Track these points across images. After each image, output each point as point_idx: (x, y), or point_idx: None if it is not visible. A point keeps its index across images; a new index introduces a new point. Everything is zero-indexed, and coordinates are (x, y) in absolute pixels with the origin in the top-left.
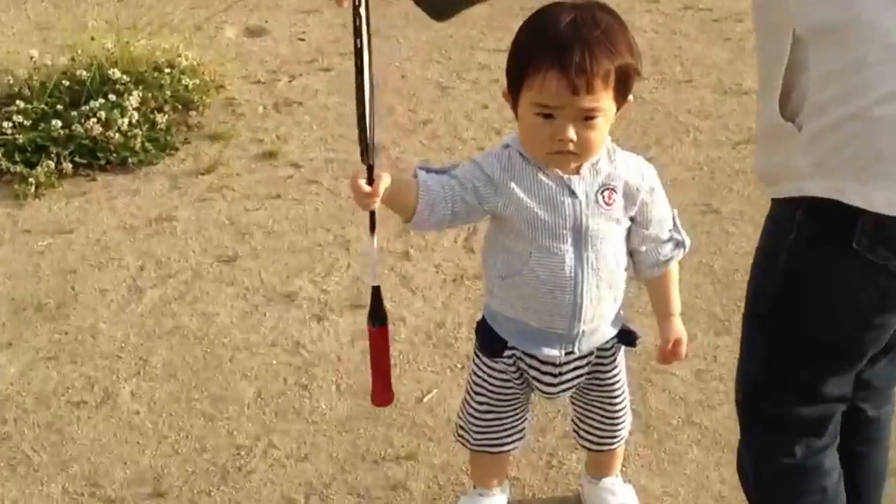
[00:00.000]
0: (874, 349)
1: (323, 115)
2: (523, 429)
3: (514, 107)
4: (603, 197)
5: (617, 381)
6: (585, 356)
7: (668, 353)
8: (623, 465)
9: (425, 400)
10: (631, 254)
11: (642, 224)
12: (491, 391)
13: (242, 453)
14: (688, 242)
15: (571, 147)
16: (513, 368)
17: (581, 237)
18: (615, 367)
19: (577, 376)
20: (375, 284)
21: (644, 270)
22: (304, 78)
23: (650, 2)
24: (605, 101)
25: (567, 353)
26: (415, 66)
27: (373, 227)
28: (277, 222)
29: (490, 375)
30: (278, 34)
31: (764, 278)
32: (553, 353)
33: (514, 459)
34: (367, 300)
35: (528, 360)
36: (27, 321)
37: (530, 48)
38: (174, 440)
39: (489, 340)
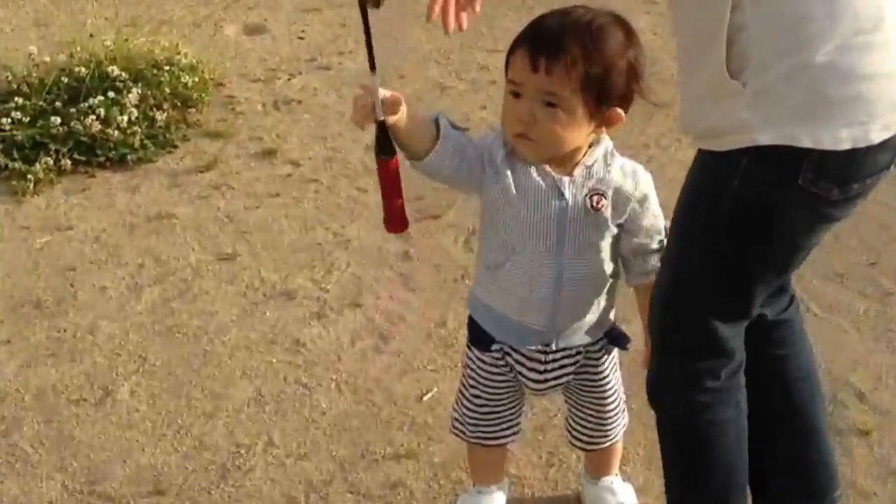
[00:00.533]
0: (796, 267)
1: (322, 113)
2: (518, 423)
3: None
4: (591, 201)
5: (607, 382)
6: (573, 355)
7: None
8: (623, 464)
9: (425, 399)
10: (621, 260)
11: (632, 232)
12: (483, 383)
13: (242, 451)
14: None
15: (528, 129)
16: (502, 362)
17: (564, 239)
18: (605, 367)
19: (564, 374)
20: (381, 119)
21: (632, 278)
22: (304, 77)
23: (649, 3)
24: (564, 90)
25: (547, 351)
26: (413, 66)
27: (372, 65)
28: (277, 220)
29: (481, 368)
30: (278, 32)
31: (702, 216)
32: (531, 347)
33: (513, 457)
34: (366, 299)
35: (515, 355)
36: (26, 318)
37: (521, 31)
38: (174, 438)
39: (478, 333)
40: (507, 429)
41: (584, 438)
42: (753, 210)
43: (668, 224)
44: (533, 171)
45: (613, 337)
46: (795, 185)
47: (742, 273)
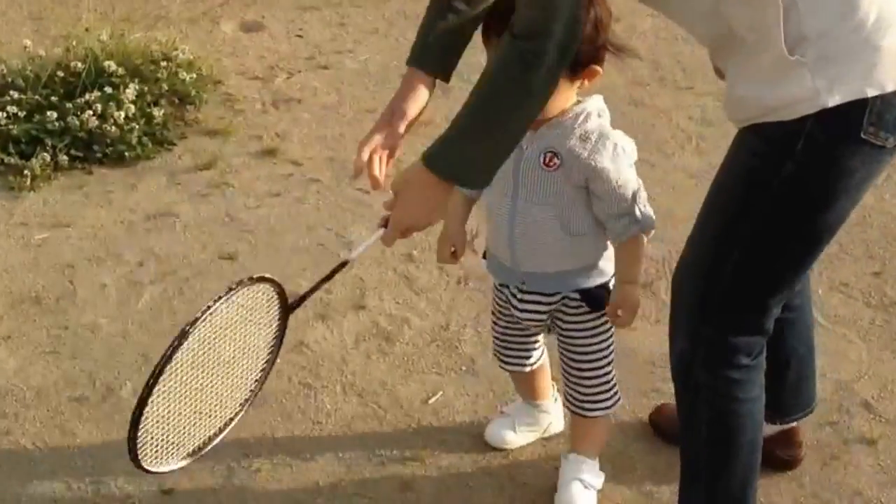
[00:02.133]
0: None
1: (322, 113)
2: (528, 357)
3: None
4: (544, 158)
5: (581, 344)
6: (544, 302)
7: (615, 316)
8: (629, 471)
9: (430, 402)
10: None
11: (596, 195)
12: (496, 314)
13: (248, 452)
14: (648, 222)
15: None
16: (503, 297)
17: (517, 186)
18: (579, 326)
19: (539, 312)
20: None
21: (610, 239)
22: (303, 75)
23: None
24: None
25: (522, 290)
26: None
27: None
28: (278, 220)
29: (494, 301)
30: (275, 30)
31: (759, 188)
32: (511, 285)
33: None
34: (370, 301)
35: (505, 290)
36: (25, 315)
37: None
38: None
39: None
40: (517, 359)
41: (569, 398)
42: (815, 168)
43: (635, 186)
44: None
45: (589, 297)
46: (857, 139)
47: (799, 240)
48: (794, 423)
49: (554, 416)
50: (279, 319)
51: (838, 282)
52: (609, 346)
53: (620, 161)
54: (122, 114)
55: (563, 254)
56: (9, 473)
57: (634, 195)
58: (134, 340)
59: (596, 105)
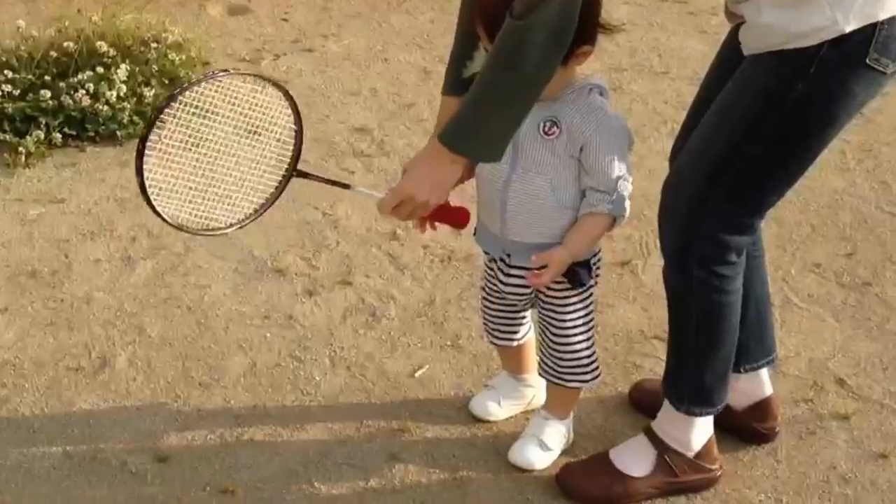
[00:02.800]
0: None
1: (308, 95)
2: (515, 332)
3: None
4: (544, 126)
5: (562, 320)
6: (532, 270)
7: (536, 276)
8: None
9: (416, 375)
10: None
11: (585, 169)
12: (485, 288)
13: (240, 422)
14: (620, 208)
15: None
16: (491, 271)
17: (516, 153)
18: (561, 302)
19: (524, 285)
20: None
21: (580, 209)
22: (289, 58)
23: None
24: None
25: (507, 263)
26: (398, 50)
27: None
28: None
29: (486, 275)
30: (261, 13)
31: (773, 106)
32: (496, 257)
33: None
34: (356, 277)
35: (492, 263)
36: (22, 288)
37: None
38: (172, 407)
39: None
40: (506, 334)
41: (542, 365)
42: (824, 90)
43: (621, 171)
44: None
45: (571, 273)
46: (863, 64)
47: (801, 150)
48: (762, 376)
49: (537, 389)
50: (285, 167)
51: (811, 262)
52: (589, 321)
53: (614, 140)
54: (114, 93)
55: (551, 225)
56: (9, 440)
57: (619, 178)
58: (128, 313)
59: (598, 83)
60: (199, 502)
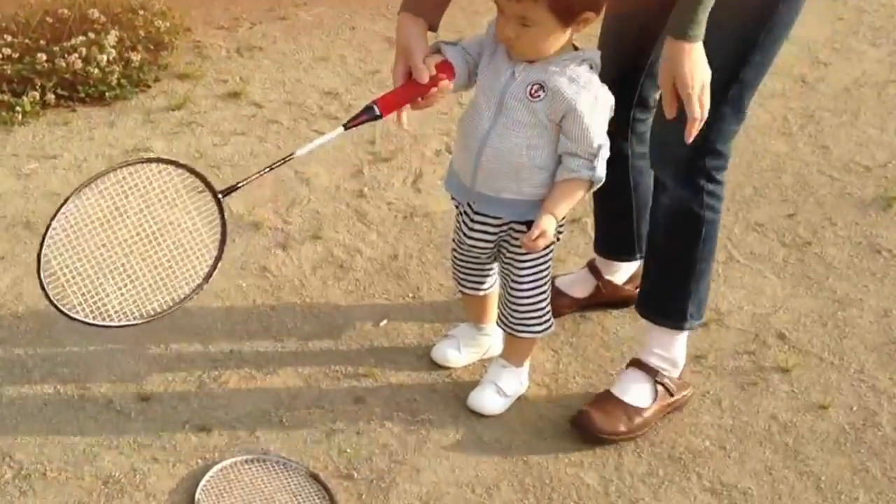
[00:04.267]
0: None
1: (281, 59)
2: (482, 282)
3: None
4: (531, 89)
5: (520, 272)
6: (492, 225)
7: (529, 239)
8: (564, 392)
9: (381, 325)
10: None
11: (565, 133)
12: (456, 241)
13: (217, 365)
14: (599, 176)
15: (511, 42)
16: (458, 224)
17: (501, 110)
18: (519, 251)
19: (486, 238)
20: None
21: (556, 174)
22: (264, 26)
23: None
24: (536, 13)
25: (471, 212)
26: (364, 19)
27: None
28: (243, 157)
29: (456, 228)
30: None
31: (782, 10)
32: (463, 204)
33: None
34: (326, 232)
35: (461, 214)
36: (17, 237)
37: None
38: (155, 351)
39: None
40: (473, 283)
41: (503, 317)
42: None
43: (602, 140)
44: (504, 50)
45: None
46: None
47: (782, 40)
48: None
49: (495, 339)
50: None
51: (754, 222)
52: (546, 276)
53: (598, 110)
54: (104, 57)
55: (520, 182)
56: (4, 379)
57: (600, 147)
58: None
59: (591, 56)
60: (178, 438)
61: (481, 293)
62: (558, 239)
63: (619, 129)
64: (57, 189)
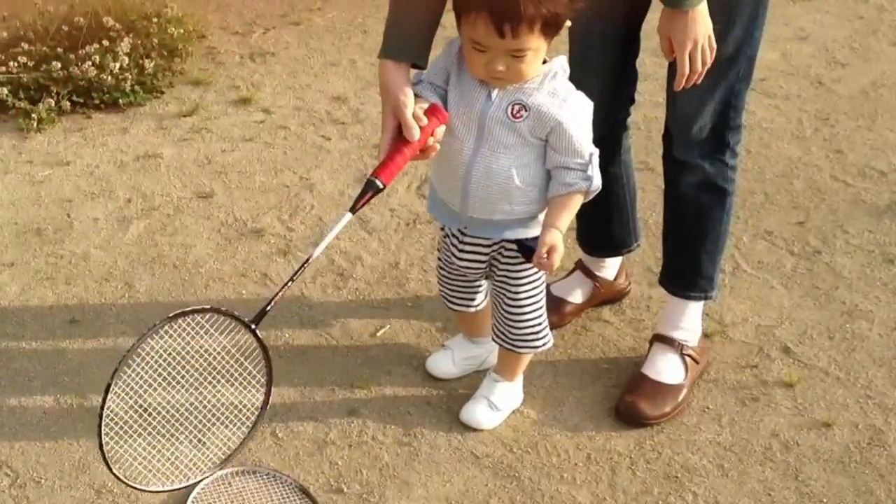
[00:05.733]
0: None
1: (293, 65)
2: (471, 300)
3: (459, 31)
4: (512, 110)
5: (516, 292)
6: (484, 246)
7: (540, 258)
8: (559, 406)
9: (378, 334)
10: (550, 174)
11: (554, 148)
12: (441, 257)
13: None
14: (596, 183)
15: (502, 75)
16: (446, 242)
17: (482, 135)
18: (511, 270)
19: (477, 260)
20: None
21: (550, 190)
22: (277, 31)
23: None
24: (532, 42)
25: (463, 234)
26: (376, 22)
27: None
28: (250, 163)
29: (441, 243)
30: None
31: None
32: (453, 229)
33: (456, 396)
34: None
35: (450, 237)
36: (27, 244)
37: None
38: None
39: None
40: (463, 301)
41: (495, 330)
42: None
43: (592, 148)
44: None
45: (524, 247)
46: None
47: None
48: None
49: (491, 351)
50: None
51: (763, 230)
52: (541, 290)
53: (583, 119)
54: (118, 65)
55: (510, 202)
56: (7, 387)
57: (591, 155)
58: (120, 269)
59: (560, 64)
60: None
61: (472, 310)
62: None
63: (607, 125)
64: (68, 196)
